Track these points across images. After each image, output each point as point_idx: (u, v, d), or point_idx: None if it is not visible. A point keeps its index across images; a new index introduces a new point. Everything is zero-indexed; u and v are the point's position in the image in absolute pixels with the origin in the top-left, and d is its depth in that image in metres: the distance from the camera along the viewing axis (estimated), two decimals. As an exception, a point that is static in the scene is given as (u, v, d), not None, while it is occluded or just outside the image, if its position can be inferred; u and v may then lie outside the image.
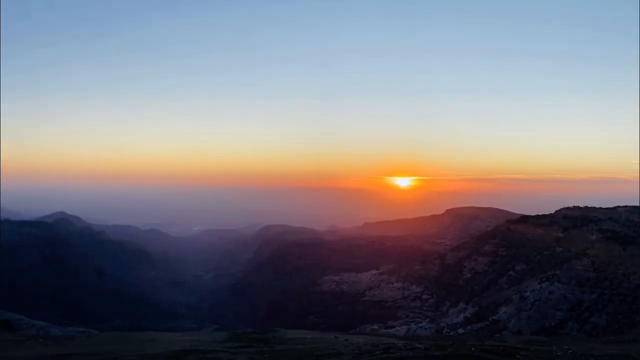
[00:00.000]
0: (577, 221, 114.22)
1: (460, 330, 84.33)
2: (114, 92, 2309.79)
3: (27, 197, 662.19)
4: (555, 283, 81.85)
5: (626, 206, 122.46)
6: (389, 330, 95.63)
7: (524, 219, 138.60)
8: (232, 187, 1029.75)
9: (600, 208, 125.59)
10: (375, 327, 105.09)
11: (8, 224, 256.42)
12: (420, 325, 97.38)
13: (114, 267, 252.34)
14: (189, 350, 32.81)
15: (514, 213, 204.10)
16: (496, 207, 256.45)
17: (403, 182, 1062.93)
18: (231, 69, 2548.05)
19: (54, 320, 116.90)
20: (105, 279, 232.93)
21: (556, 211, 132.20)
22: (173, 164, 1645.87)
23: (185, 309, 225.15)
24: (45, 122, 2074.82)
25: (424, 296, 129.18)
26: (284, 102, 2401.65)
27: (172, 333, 58.43)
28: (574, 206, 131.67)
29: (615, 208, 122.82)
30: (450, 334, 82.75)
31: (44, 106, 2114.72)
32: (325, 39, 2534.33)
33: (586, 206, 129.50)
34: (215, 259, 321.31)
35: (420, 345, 29.28)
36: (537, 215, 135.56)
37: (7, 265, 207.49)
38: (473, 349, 27.00)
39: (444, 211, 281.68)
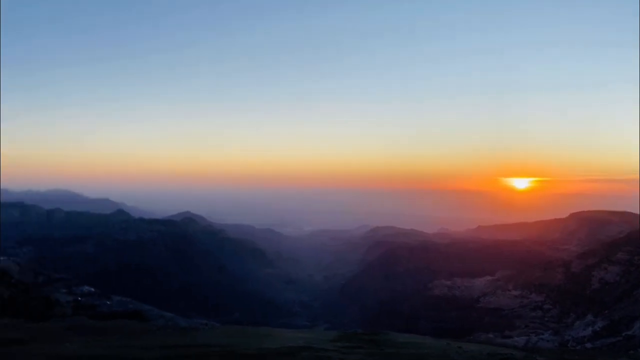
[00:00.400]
0: None
1: (588, 345, 77.42)
2: (235, 98, 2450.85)
3: (157, 197, 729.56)
4: None
5: None
6: (506, 340, 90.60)
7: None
8: (343, 188, 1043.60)
9: None
10: (490, 335, 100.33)
11: (141, 222, 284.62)
12: (541, 336, 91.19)
13: (234, 264, 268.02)
14: (303, 347, 33.76)
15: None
16: (630, 210, 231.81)
17: (521, 183, 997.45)
18: (343, 71, 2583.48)
19: (180, 312, 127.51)
20: (226, 275, 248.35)
21: None
22: (286, 166, 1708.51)
23: (298, 306, 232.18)
24: (172, 127, 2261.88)
25: (546, 306, 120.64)
26: (395, 103, 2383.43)
27: (286, 329, 60.54)
28: None
29: None
30: (577, 348, 76.31)
31: (169, 115, 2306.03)
32: (439, 38, 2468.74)
33: None
34: (326, 259, 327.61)
35: (541, 358, 27.34)
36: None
37: (140, 259, 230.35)
38: (604, 366, 24.61)
39: (568, 215, 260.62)
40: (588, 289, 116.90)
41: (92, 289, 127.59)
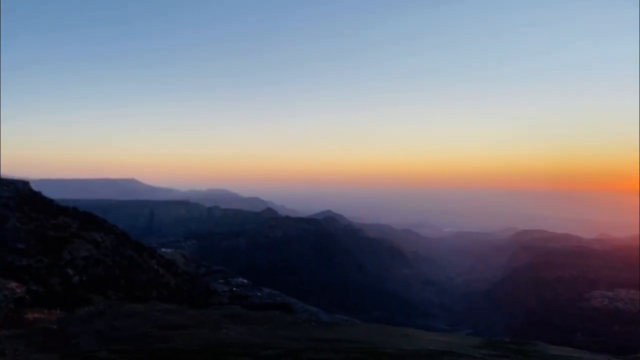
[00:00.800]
0: None
1: None
2: (378, 100, 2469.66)
3: (301, 196, 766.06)
4: None
5: None
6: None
7: None
8: (486, 189, 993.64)
9: None
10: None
11: (287, 220, 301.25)
12: None
13: (372, 263, 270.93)
14: (445, 352, 33.26)
15: None
16: None
17: None
18: (482, 63, 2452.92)
19: (322, 307, 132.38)
20: (365, 274, 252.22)
21: None
22: (427, 166, 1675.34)
23: (437, 309, 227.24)
24: (317, 130, 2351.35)
25: None
26: (546, 98, 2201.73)
27: (425, 331, 59.85)
28: None
29: None
30: None
31: (312, 118, 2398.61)
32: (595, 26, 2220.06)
33: None
34: (467, 262, 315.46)
35: None
36: None
37: (286, 255, 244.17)
38: None
39: None
40: None
41: (245, 281, 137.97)
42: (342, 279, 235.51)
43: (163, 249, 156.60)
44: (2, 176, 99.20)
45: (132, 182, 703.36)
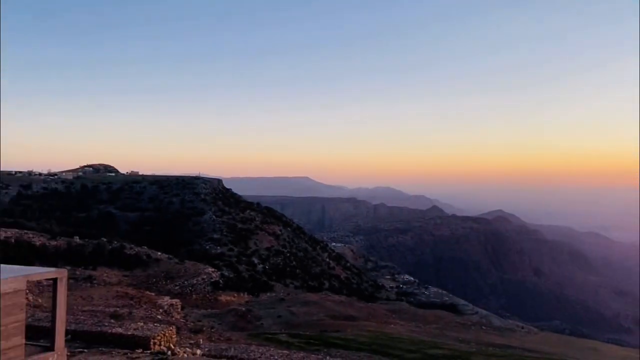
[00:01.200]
0: None
1: None
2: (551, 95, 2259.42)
3: (470, 195, 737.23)
4: None
5: None
6: None
7: None
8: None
9: None
10: None
11: (454, 219, 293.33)
12: None
13: (550, 267, 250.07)
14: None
15: None
16: None
17: None
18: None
19: (493, 310, 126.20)
20: (543, 278, 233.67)
21: None
22: (618, 160, 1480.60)
23: (631, 322, 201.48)
24: (487, 125, 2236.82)
25: None
26: None
27: (616, 346, 53.45)
28: None
29: None
30: None
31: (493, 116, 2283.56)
32: None
33: None
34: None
35: None
36: None
37: (453, 254, 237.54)
38: None
39: None
40: None
41: (412, 278, 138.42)
42: (515, 283, 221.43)
43: (333, 244, 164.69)
44: (200, 175, 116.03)
45: (305, 180, 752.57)
